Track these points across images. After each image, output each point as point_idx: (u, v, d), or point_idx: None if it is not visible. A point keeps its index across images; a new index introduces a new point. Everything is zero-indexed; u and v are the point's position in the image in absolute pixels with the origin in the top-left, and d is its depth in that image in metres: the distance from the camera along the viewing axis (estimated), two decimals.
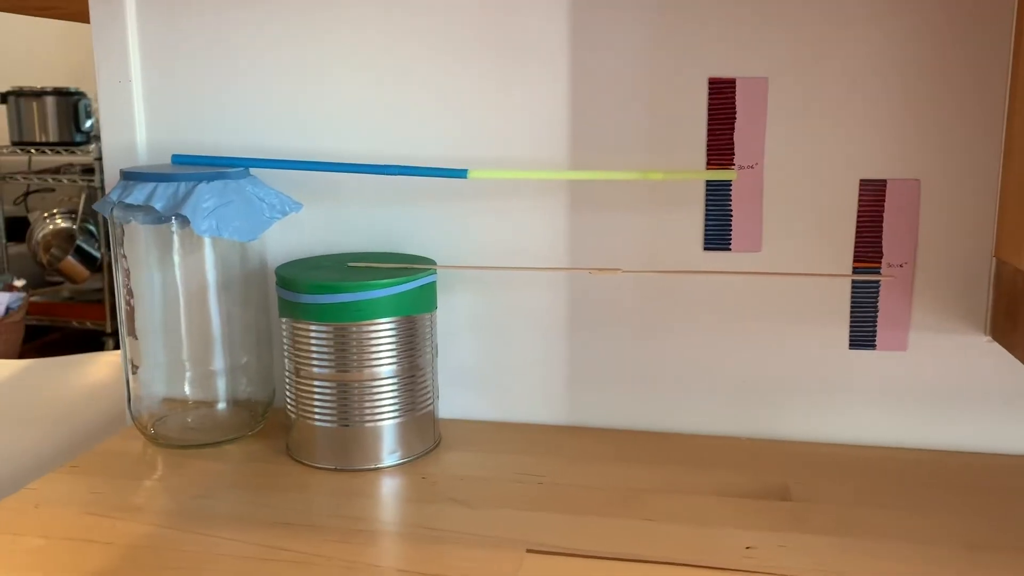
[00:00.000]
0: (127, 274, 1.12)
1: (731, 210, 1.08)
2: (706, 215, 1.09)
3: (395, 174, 1.06)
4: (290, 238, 1.19)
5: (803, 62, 1.04)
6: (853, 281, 1.08)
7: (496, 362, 1.17)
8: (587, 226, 1.11)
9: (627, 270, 1.04)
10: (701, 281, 1.10)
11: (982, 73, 1.01)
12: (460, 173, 1.04)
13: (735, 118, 1.06)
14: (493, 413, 1.19)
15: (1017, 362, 1.04)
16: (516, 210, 1.12)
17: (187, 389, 1.17)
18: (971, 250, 1.05)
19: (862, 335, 1.09)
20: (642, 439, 1.13)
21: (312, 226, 1.18)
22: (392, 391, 1.05)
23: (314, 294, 1.01)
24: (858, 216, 1.06)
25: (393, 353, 1.04)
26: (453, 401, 1.19)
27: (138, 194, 1.03)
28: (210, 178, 1.05)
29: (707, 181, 1.08)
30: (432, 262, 1.10)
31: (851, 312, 1.09)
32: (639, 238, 1.11)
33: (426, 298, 1.07)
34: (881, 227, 1.06)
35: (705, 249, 1.10)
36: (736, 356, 1.12)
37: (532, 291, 1.14)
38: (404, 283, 1.03)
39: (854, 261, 1.08)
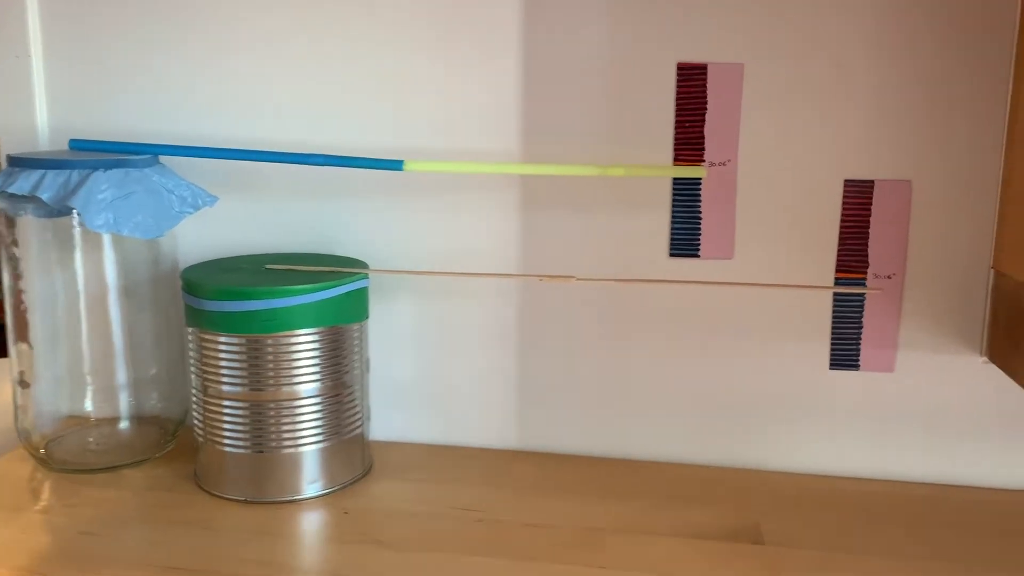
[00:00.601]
0: (16, 274, 0.99)
1: (700, 212, 0.97)
2: (673, 218, 0.97)
3: (324, 164, 0.93)
4: (207, 236, 1.05)
5: (784, 47, 0.92)
6: (835, 294, 0.96)
7: (437, 379, 1.05)
8: (541, 228, 0.99)
9: (582, 278, 0.92)
10: (667, 291, 0.99)
11: (983, 66, 0.90)
12: (395, 164, 0.91)
13: (706, 109, 0.94)
14: (433, 436, 1.06)
15: (1016, 386, 0.93)
16: (462, 208, 1.00)
17: (88, 405, 1.03)
18: (967, 261, 0.94)
19: (844, 354, 0.98)
20: (600, 467, 1.01)
21: (231, 223, 1.05)
22: (314, 412, 0.92)
23: (222, 300, 0.88)
24: (842, 221, 0.95)
25: (316, 369, 0.91)
26: (388, 422, 1.07)
27: (23, 183, 0.89)
28: (108, 165, 0.91)
29: (674, 179, 0.96)
30: (364, 265, 0.97)
31: (832, 328, 0.97)
32: (598, 242, 0.98)
33: (355, 306, 0.94)
34: (867, 233, 0.95)
35: (671, 255, 0.98)
36: (705, 376, 1.00)
37: (479, 299, 1.02)
38: (328, 288, 0.90)
39: (837, 271, 0.96)
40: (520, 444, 1.05)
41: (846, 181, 0.94)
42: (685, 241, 0.98)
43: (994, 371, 0.95)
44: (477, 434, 1.06)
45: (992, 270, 0.93)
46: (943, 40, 0.90)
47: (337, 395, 0.94)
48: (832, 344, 0.98)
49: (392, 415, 1.06)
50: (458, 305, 1.02)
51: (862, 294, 0.95)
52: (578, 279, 0.91)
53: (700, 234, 0.97)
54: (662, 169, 0.91)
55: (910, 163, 0.93)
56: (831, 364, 0.98)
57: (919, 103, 0.91)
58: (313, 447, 0.93)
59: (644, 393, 1.02)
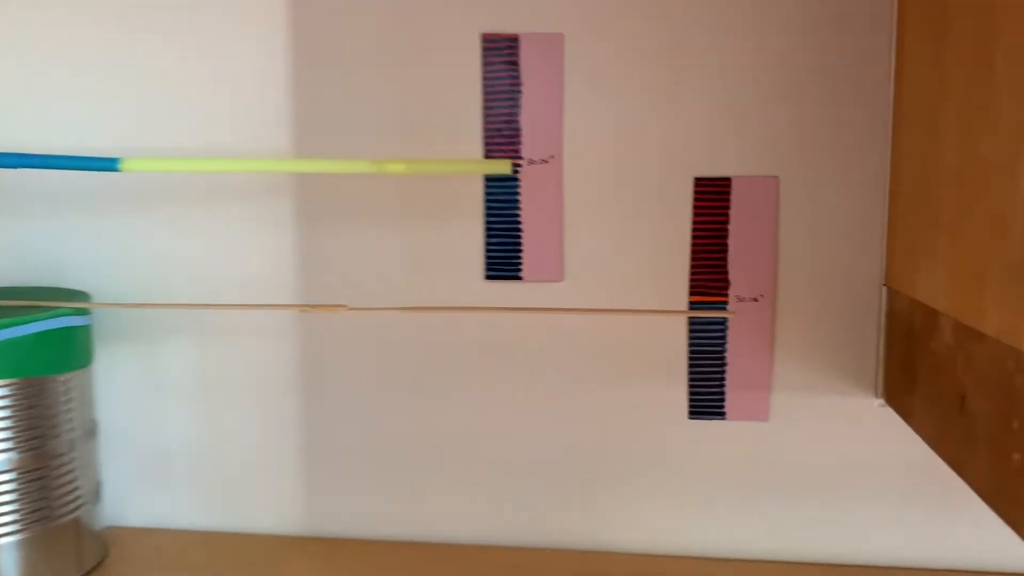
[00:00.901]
0: None
1: (520, 223, 0.76)
2: (487, 231, 0.76)
3: (19, 167, 0.71)
4: None
5: (612, 14, 0.73)
6: (692, 324, 0.76)
7: (198, 444, 0.82)
8: (322, 246, 0.78)
9: (356, 307, 0.70)
10: (483, 324, 0.77)
11: (861, 42, 0.71)
12: (109, 164, 0.69)
13: (520, 91, 0.74)
14: (194, 519, 0.83)
15: (914, 438, 0.73)
16: (220, 222, 0.78)
17: None
18: (853, 278, 0.74)
19: (706, 399, 0.77)
20: (405, 554, 0.78)
21: None
22: (5, 494, 0.69)
23: None
24: (694, 229, 0.75)
25: (5, 436, 0.68)
26: (133, 503, 0.83)
27: None
28: None
29: (486, 183, 0.75)
30: (84, 296, 0.74)
31: (690, 367, 0.76)
32: (397, 262, 0.77)
33: (63, 349, 0.71)
34: (726, 245, 0.75)
35: (487, 278, 0.77)
36: (529, 433, 0.79)
37: (249, 339, 0.80)
38: (19, 326, 0.68)
39: (691, 294, 0.76)
40: (305, 528, 0.82)
41: (697, 179, 0.74)
42: (503, 260, 0.77)
43: (891, 417, 0.75)
44: (249, 516, 0.82)
45: (884, 287, 0.74)
46: (817, 16, 0.71)
47: (40, 469, 0.70)
48: (690, 387, 0.77)
49: (140, 493, 0.83)
50: (224, 348, 0.80)
51: (722, 321, 0.75)
52: (350, 308, 0.69)
53: (521, 251, 0.76)
54: (453, 164, 0.70)
55: (777, 156, 0.73)
56: (690, 413, 0.77)
57: (788, 86, 0.72)
58: (6, 539, 0.69)
59: (453, 457, 0.80)
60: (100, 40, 0.77)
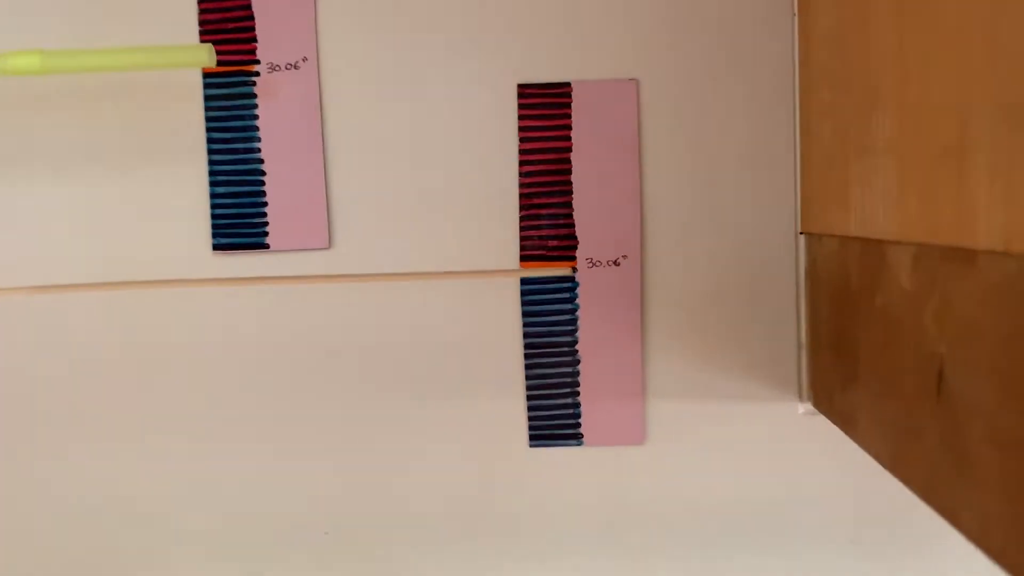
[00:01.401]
0: None
1: (262, 164, 0.50)
2: (211, 178, 0.50)
3: None
4: None
5: None
6: (524, 306, 0.50)
7: None
8: None
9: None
10: (212, 312, 0.51)
11: None
12: None
13: None
14: None
15: (860, 456, 0.48)
16: None
17: None
18: (755, 225, 0.50)
19: (551, 418, 0.51)
20: None
21: None
22: None
23: None
24: (520, 161, 0.50)
25: None
26: None
27: None
28: None
29: (206, 103, 0.50)
30: None
31: (526, 369, 0.51)
32: (87, 232, 0.51)
33: None
34: (569, 183, 0.50)
35: (216, 248, 0.51)
36: (287, 477, 0.52)
37: None
38: None
39: (521, 260, 0.51)
40: None
41: (522, 87, 0.50)
42: (237, 221, 0.51)
43: (826, 427, 0.50)
44: None
45: (802, 236, 0.50)
46: None
47: None
48: (528, 400, 0.51)
49: None
50: None
51: (569, 298, 0.50)
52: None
53: (265, 206, 0.50)
54: (108, 55, 0.44)
55: (635, 52, 0.49)
56: (531, 438, 0.51)
57: None
58: None
59: (168, 516, 0.52)
60: None
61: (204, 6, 0.50)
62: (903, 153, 0.34)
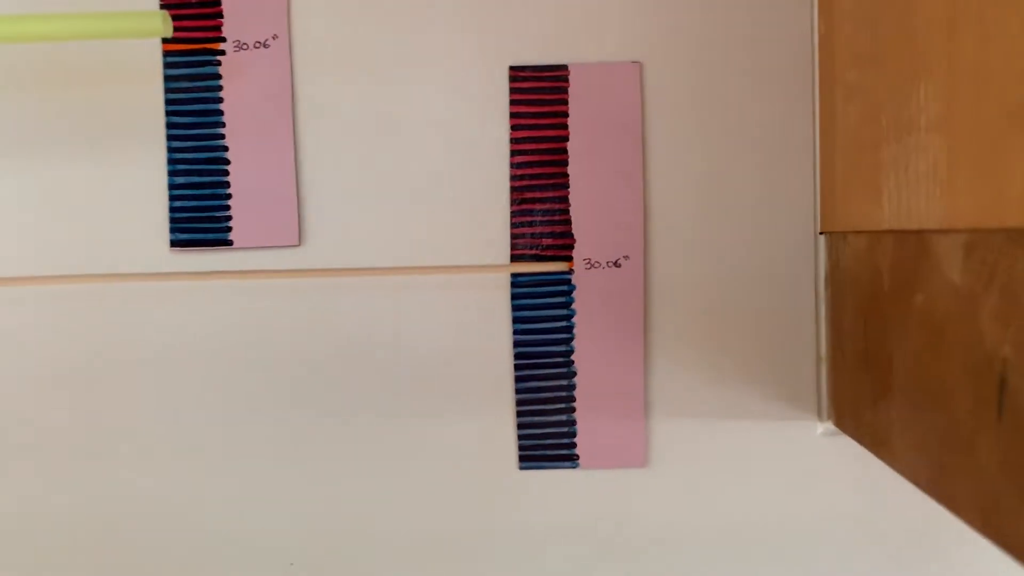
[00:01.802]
0: None
1: (226, 151, 0.45)
2: (170, 167, 0.46)
3: None
4: None
5: None
6: (514, 313, 0.45)
7: None
8: None
9: None
10: (171, 314, 0.46)
11: None
12: None
13: None
14: None
15: (887, 475, 0.43)
16: None
17: None
18: (771, 225, 0.45)
19: (544, 438, 0.46)
20: None
21: None
22: None
23: None
24: (512, 151, 0.45)
25: None
26: None
27: None
28: None
29: (166, 81, 0.45)
30: None
31: (516, 385, 0.46)
32: (21, 218, 0.46)
33: None
34: (565, 175, 0.45)
35: (175, 245, 0.46)
36: (252, 502, 0.47)
37: None
38: None
39: (512, 260, 0.46)
40: None
41: (513, 70, 0.45)
42: (199, 216, 0.46)
43: (849, 449, 0.45)
44: None
45: (823, 236, 0.45)
46: None
47: None
48: (518, 417, 0.46)
49: None
50: None
51: (565, 303, 0.45)
52: None
53: (230, 198, 0.46)
54: (45, 21, 0.39)
55: (640, 33, 0.45)
56: (521, 460, 0.46)
57: None
58: None
59: (136, 534, 0.47)
60: None
61: None
62: (955, 126, 0.29)
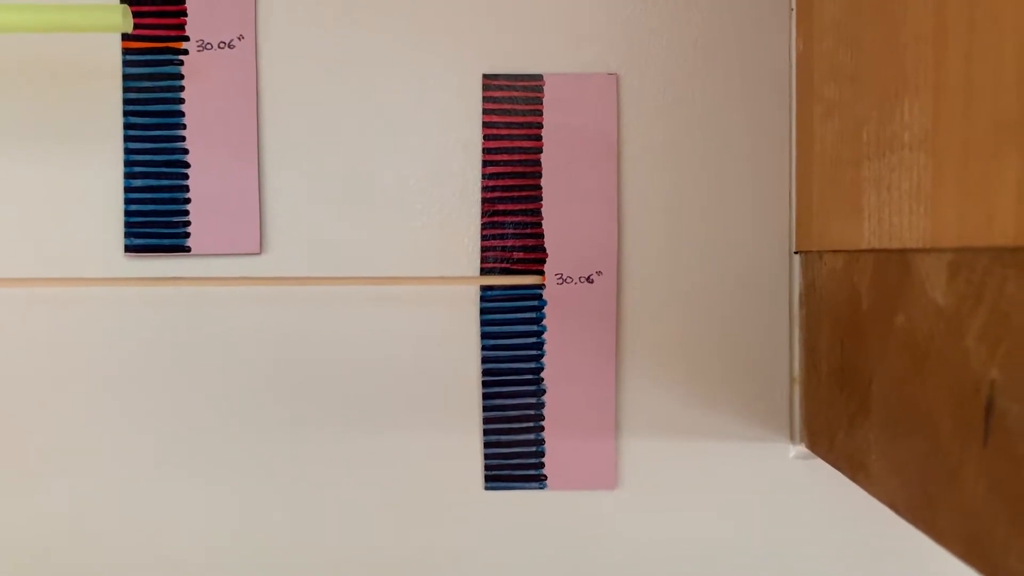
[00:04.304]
0: None
1: (185, 153, 0.44)
2: (126, 167, 0.44)
3: None
4: None
5: None
6: (483, 327, 0.44)
7: None
8: None
9: None
10: (124, 321, 0.44)
11: None
12: None
13: None
14: None
15: (861, 500, 0.43)
16: None
17: None
18: (744, 242, 0.44)
19: (510, 457, 0.45)
20: None
21: None
22: None
23: None
24: (484, 162, 0.44)
25: None
26: None
27: None
28: None
29: (125, 82, 0.43)
30: None
31: (484, 401, 0.44)
32: None
33: None
34: (539, 188, 0.44)
35: (129, 250, 0.44)
36: (207, 518, 0.45)
37: None
38: None
39: (482, 273, 0.44)
40: None
41: (487, 78, 0.44)
42: (156, 220, 0.44)
43: (822, 473, 0.44)
44: None
45: (797, 255, 0.44)
46: None
47: None
48: (485, 435, 0.44)
49: None
50: None
51: (535, 317, 0.44)
52: None
53: (188, 203, 0.44)
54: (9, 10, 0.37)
55: (615, 42, 0.44)
56: (487, 479, 0.45)
57: None
58: None
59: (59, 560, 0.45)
60: None
61: None
62: (940, 143, 0.29)
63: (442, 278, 0.44)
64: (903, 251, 0.32)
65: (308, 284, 0.44)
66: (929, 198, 0.29)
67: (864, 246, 0.35)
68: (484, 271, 0.44)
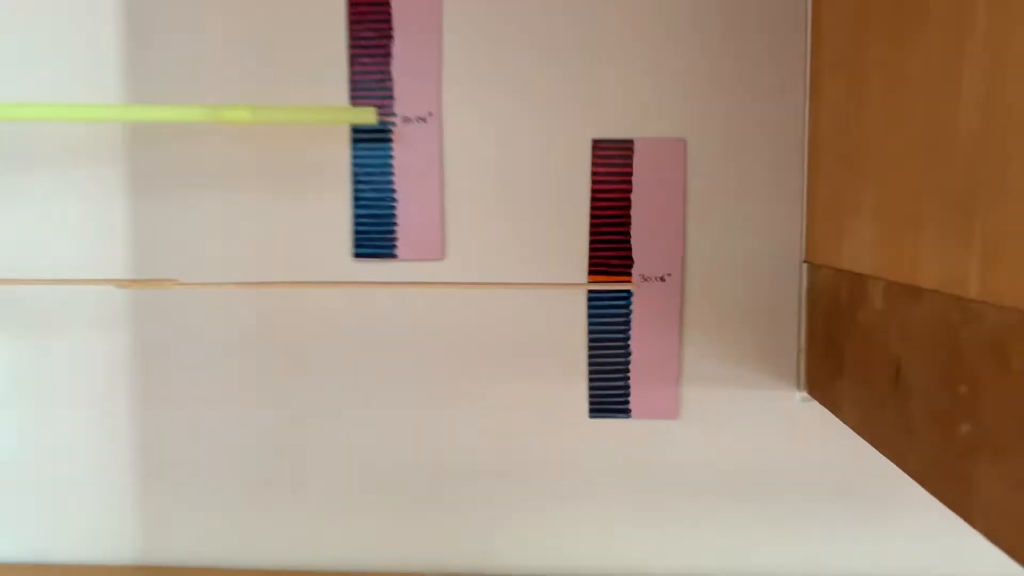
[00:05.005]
0: None
1: (394, 191, 0.66)
2: (355, 200, 0.66)
3: None
4: None
5: None
6: (590, 308, 0.66)
7: (17, 449, 0.68)
8: (161, 223, 0.66)
9: (189, 283, 0.58)
10: (351, 307, 0.66)
11: None
12: None
13: (391, 37, 0.65)
14: (6, 550, 0.69)
15: (846, 431, 0.64)
16: (37, 194, 0.66)
17: None
18: (771, 253, 0.65)
19: (607, 396, 0.67)
20: None
21: None
22: None
23: None
24: (592, 198, 0.65)
25: None
26: None
27: None
28: None
29: (354, 143, 0.65)
30: None
31: (589, 358, 0.66)
32: (248, 238, 0.66)
33: None
34: (628, 217, 0.65)
35: (356, 256, 0.66)
36: (403, 438, 0.68)
37: (68, 332, 0.67)
38: None
39: (590, 273, 0.66)
40: (141, 557, 0.69)
41: (595, 142, 0.65)
42: (374, 235, 0.66)
43: (818, 411, 0.66)
44: (74, 544, 0.69)
45: (805, 264, 0.65)
46: None
47: None
48: (590, 382, 0.67)
49: None
50: (37, 345, 0.67)
51: (625, 304, 0.65)
52: (181, 284, 0.57)
53: (395, 225, 0.66)
54: (305, 112, 0.60)
55: (684, 116, 0.65)
56: (591, 410, 0.67)
57: (695, 39, 0.64)
58: None
59: (316, 469, 0.68)
60: None
61: (355, 69, 0.65)
62: (882, 217, 0.50)
63: (563, 284, 0.65)
64: (863, 275, 0.53)
65: (473, 288, 0.66)
66: (873, 248, 0.50)
67: (844, 268, 0.56)
68: (592, 271, 0.66)
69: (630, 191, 0.65)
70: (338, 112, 0.58)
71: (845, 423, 0.56)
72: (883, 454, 0.49)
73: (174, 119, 0.57)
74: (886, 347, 0.49)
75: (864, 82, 0.53)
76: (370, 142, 0.65)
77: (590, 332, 0.66)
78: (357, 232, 0.66)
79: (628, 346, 0.66)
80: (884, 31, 0.50)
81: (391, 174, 0.66)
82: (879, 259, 0.50)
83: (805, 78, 0.64)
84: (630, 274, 0.66)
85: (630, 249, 0.66)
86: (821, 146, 0.61)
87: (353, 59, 0.65)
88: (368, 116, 0.58)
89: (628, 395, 0.67)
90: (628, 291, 0.66)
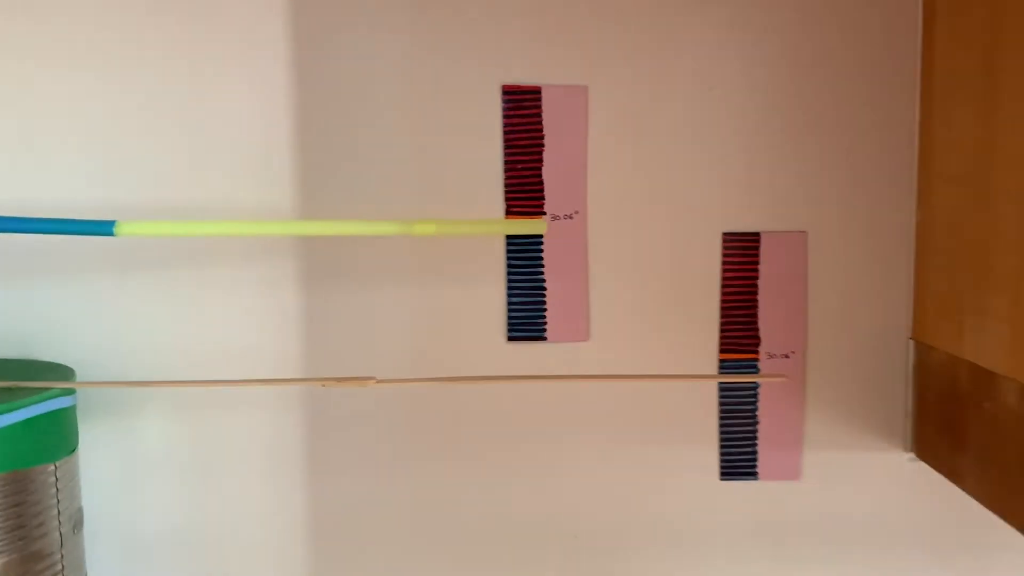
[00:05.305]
0: None
1: (544, 282, 0.72)
2: (509, 290, 0.72)
3: (13, 231, 0.63)
4: None
5: (639, 64, 0.71)
6: (720, 383, 0.73)
7: (198, 524, 0.75)
8: (331, 313, 0.72)
9: (384, 380, 0.65)
10: (504, 386, 0.73)
11: (887, 96, 0.71)
12: (103, 228, 0.63)
13: (543, 145, 0.71)
14: None
15: (950, 486, 0.73)
16: (217, 289, 0.72)
17: None
18: (881, 332, 0.73)
19: (737, 460, 0.75)
20: None
21: None
22: None
23: None
24: (723, 285, 0.73)
25: None
26: None
27: None
28: None
29: (507, 240, 0.71)
30: (67, 372, 0.67)
31: (721, 427, 0.74)
32: (409, 329, 0.72)
33: (54, 434, 0.64)
34: (756, 301, 0.73)
35: (510, 339, 0.73)
36: (554, 497, 0.75)
37: (251, 412, 0.73)
38: (6, 413, 0.60)
39: (721, 352, 0.73)
40: None
41: (725, 235, 0.72)
42: (526, 320, 0.73)
43: (923, 470, 0.74)
44: None
45: (911, 341, 0.73)
46: (842, 72, 0.71)
47: (24, 573, 0.63)
48: (722, 448, 0.74)
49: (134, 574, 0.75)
50: (223, 421, 0.73)
51: (753, 381, 0.73)
52: (378, 382, 0.64)
53: (545, 310, 0.73)
54: (488, 224, 0.67)
55: (805, 211, 0.72)
56: (722, 474, 0.75)
57: (814, 140, 0.71)
58: None
59: (475, 526, 0.75)
60: (97, 92, 0.70)
61: (509, 175, 0.72)
62: (1017, 326, 0.57)
63: (695, 375, 0.72)
64: (991, 372, 0.61)
65: (613, 380, 0.73)
66: (1008, 346, 0.58)
67: (964, 356, 0.64)
68: (723, 350, 0.73)
69: (757, 278, 0.73)
70: (515, 224, 0.65)
71: (970, 494, 0.64)
72: (1012, 525, 0.57)
73: (370, 232, 0.64)
74: (1020, 437, 0.57)
75: (988, 199, 0.60)
76: (523, 237, 0.72)
77: (722, 404, 0.74)
78: (511, 317, 0.73)
79: (756, 415, 0.74)
80: (989, 149, 0.57)
81: (541, 265, 0.72)
82: (1014, 362, 0.58)
83: (913, 179, 0.71)
84: (758, 352, 0.73)
85: (757, 329, 0.73)
86: (931, 245, 0.69)
87: (508, 166, 0.71)
88: (540, 227, 0.65)
89: (755, 459, 0.75)
90: (755, 365, 0.73)
